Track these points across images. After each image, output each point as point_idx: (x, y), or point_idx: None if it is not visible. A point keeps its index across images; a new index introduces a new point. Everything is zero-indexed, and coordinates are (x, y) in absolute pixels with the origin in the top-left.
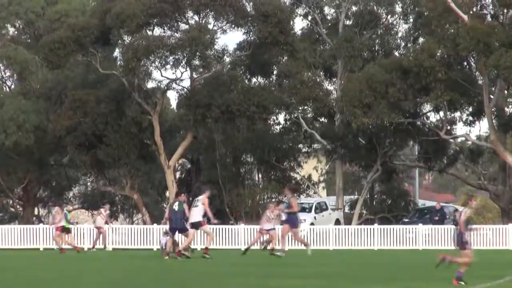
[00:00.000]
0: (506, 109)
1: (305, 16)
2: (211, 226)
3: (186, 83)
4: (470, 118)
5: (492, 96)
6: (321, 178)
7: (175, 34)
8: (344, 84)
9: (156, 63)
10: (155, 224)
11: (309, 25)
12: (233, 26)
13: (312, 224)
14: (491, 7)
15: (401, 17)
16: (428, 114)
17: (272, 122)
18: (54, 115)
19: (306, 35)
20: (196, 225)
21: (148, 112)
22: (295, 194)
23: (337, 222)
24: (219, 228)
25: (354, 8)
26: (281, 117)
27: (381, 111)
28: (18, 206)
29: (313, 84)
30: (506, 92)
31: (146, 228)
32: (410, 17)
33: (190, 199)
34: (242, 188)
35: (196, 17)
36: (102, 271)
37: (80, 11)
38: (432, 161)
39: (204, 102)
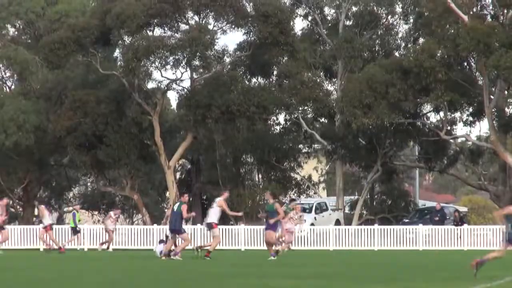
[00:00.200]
0: (506, 109)
1: (305, 16)
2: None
3: (186, 83)
4: (470, 118)
5: (492, 97)
6: (321, 179)
7: (175, 34)
8: (344, 85)
9: (156, 64)
10: (155, 225)
11: (309, 26)
12: (233, 26)
13: (312, 224)
14: (491, 7)
15: (401, 17)
16: (428, 114)
17: (272, 123)
18: (54, 115)
19: (306, 36)
20: (208, 226)
21: (148, 113)
22: (276, 200)
23: (337, 222)
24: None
25: (354, 9)
26: (281, 118)
27: (381, 111)
28: (18, 207)
29: (313, 85)
30: (506, 92)
31: (146, 229)
32: (410, 17)
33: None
34: (242, 188)
35: (196, 18)
36: (102, 271)
37: (80, 12)
38: (432, 161)
39: (204, 103)
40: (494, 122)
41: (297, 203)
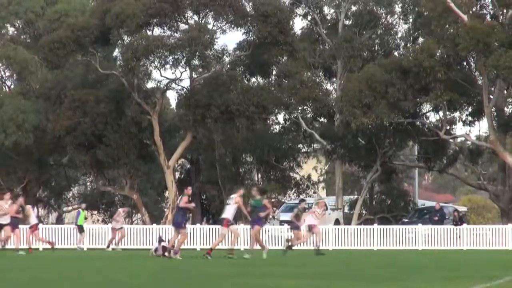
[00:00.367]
0: (505, 109)
1: (304, 16)
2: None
3: (186, 83)
4: (470, 118)
5: (491, 96)
6: (321, 178)
7: (175, 34)
8: (343, 84)
9: (156, 63)
10: (154, 224)
11: (308, 25)
12: (232, 26)
13: None
14: (490, 7)
15: (400, 17)
16: (428, 114)
17: (271, 122)
18: (54, 115)
19: (305, 35)
20: (220, 221)
21: (147, 112)
22: (264, 196)
23: (337, 222)
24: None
25: (353, 8)
26: (280, 117)
27: (380, 111)
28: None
29: (313, 84)
30: (505, 92)
31: (146, 228)
32: (410, 17)
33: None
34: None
35: (195, 17)
36: (102, 271)
37: (79, 11)
38: (431, 161)
39: (204, 102)
40: (493, 121)
41: (319, 199)
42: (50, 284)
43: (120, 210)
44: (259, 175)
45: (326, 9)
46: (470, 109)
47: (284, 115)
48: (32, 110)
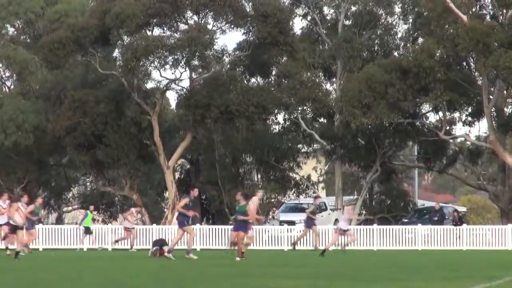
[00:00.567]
0: (505, 109)
1: (304, 16)
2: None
3: (186, 83)
4: (470, 118)
5: (491, 97)
6: (321, 179)
7: (175, 34)
8: (343, 85)
9: (156, 63)
10: (154, 225)
11: (308, 25)
12: (232, 26)
13: None
14: (490, 7)
15: (400, 17)
16: (428, 114)
17: (271, 123)
18: (54, 115)
19: (305, 36)
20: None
21: (147, 112)
22: (248, 200)
23: (336, 222)
24: (219, 229)
25: (353, 8)
26: (280, 118)
27: (380, 111)
28: None
29: (313, 85)
30: (505, 92)
31: (146, 229)
32: (410, 17)
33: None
34: (242, 188)
35: (195, 17)
36: (102, 271)
37: (79, 11)
38: (431, 161)
39: (204, 102)
40: (493, 122)
41: (350, 201)
42: (50, 284)
43: (133, 209)
44: (259, 176)
45: (325, 9)
46: (469, 110)
47: (284, 116)
48: (32, 110)
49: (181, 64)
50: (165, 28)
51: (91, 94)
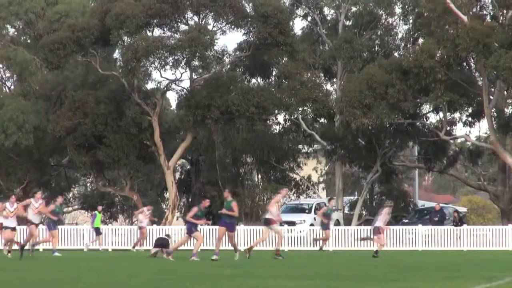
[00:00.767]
0: (505, 110)
1: (304, 16)
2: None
3: (186, 83)
4: (470, 119)
5: (491, 97)
6: (321, 179)
7: (175, 34)
8: (343, 85)
9: (156, 64)
10: (154, 225)
11: (308, 26)
12: (232, 27)
13: (311, 224)
14: (490, 7)
15: (400, 17)
16: (428, 115)
17: (271, 123)
18: (54, 115)
19: (305, 36)
20: (265, 222)
21: (147, 113)
22: (234, 197)
23: (337, 223)
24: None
25: (353, 9)
26: (280, 118)
27: (380, 111)
28: None
29: (313, 85)
30: (505, 93)
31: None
32: (410, 17)
33: (190, 200)
34: (242, 188)
35: (195, 18)
36: (102, 271)
37: (80, 12)
38: (431, 162)
39: (204, 103)
40: (493, 122)
41: (389, 201)
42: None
43: (145, 208)
44: (259, 176)
45: (326, 10)
46: (470, 110)
47: (284, 116)
48: (32, 110)
49: (181, 65)
50: (165, 29)
51: (91, 95)
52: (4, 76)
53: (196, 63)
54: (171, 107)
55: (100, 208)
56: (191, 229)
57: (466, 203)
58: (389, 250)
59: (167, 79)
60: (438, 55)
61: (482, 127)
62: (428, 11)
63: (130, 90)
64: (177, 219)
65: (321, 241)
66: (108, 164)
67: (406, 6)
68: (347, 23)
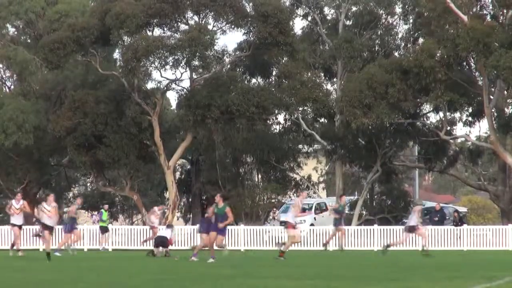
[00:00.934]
0: (505, 109)
1: (304, 16)
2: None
3: (186, 83)
4: (470, 118)
5: (492, 97)
6: (321, 179)
7: (175, 34)
8: (344, 85)
9: (156, 64)
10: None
11: (309, 26)
12: (232, 26)
13: (312, 224)
14: (490, 7)
15: (401, 17)
16: (428, 114)
17: (271, 123)
18: (54, 115)
19: (305, 36)
20: (283, 224)
21: (147, 113)
22: (227, 203)
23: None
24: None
25: (354, 9)
26: (281, 118)
27: (381, 111)
28: None
29: (313, 85)
30: (505, 92)
31: (146, 229)
32: (410, 17)
33: (190, 200)
34: (242, 188)
35: (196, 18)
36: (102, 271)
37: (80, 11)
38: (432, 161)
39: (204, 103)
40: (493, 122)
41: (419, 203)
42: (50, 284)
43: (156, 208)
44: (259, 176)
45: (326, 10)
46: (470, 110)
47: (285, 116)
48: (32, 110)
49: (181, 65)
50: (165, 29)
51: (91, 95)
52: (4, 76)
53: (196, 63)
54: (171, 107)
55: (106, 206)
56: (200, 230)
57: (466, 203)
58: (389, 250)
59: (167, 79)
60: (438, 55)
61: (482, 127)
62: (428, 11)
63: (130, 90)
64: (177, 219)
65: (331, 240)
66: (108, 164)
67: (406, 6)
68: (347, 22)
